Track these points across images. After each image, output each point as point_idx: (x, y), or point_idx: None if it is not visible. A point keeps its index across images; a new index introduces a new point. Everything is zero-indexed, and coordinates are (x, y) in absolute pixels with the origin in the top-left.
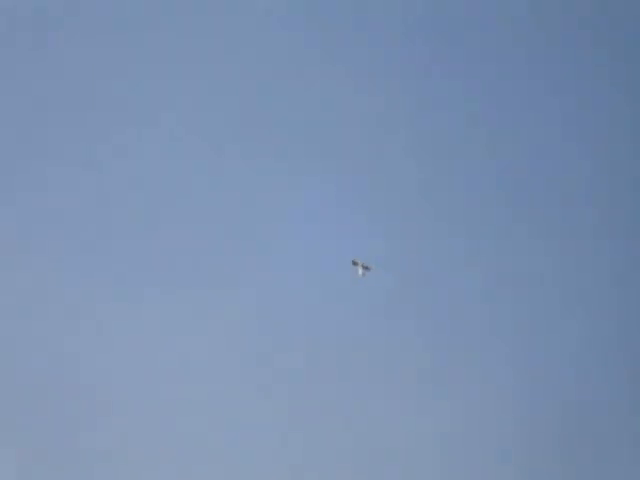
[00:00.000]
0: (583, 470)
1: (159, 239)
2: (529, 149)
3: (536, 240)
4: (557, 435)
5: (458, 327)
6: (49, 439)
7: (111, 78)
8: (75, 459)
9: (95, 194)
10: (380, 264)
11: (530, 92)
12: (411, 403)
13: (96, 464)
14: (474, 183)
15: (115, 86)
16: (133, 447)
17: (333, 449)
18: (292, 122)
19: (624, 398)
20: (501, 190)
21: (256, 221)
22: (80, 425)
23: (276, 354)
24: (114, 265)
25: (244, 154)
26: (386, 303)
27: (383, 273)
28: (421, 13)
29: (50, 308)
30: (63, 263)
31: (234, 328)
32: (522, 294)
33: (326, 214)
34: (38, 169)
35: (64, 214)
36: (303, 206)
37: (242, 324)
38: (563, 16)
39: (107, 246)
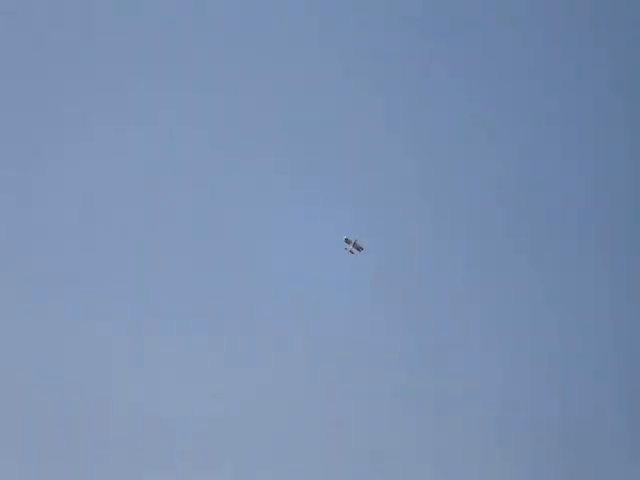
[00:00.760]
0: (583, 471)
1: (160, 236)
2: (528, 150)
3: (535, 242)
4: (556, 439)
5: (455, 329)
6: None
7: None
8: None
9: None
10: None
11: (531, 93)
12: (407, 407)
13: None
14: (473, 184)
15: (115, 86)
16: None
17: (330, 449)
18: (291, 125)
19: (622, 403)
20: (500, 191)
21: (256, 221)
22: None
23: (274, 353)
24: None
25: (245, 154)
26: (385, 307)
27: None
28: (422, 14)
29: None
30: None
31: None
32: (519, 297)
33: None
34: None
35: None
36: (302, 205)
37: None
38: (565, 17)
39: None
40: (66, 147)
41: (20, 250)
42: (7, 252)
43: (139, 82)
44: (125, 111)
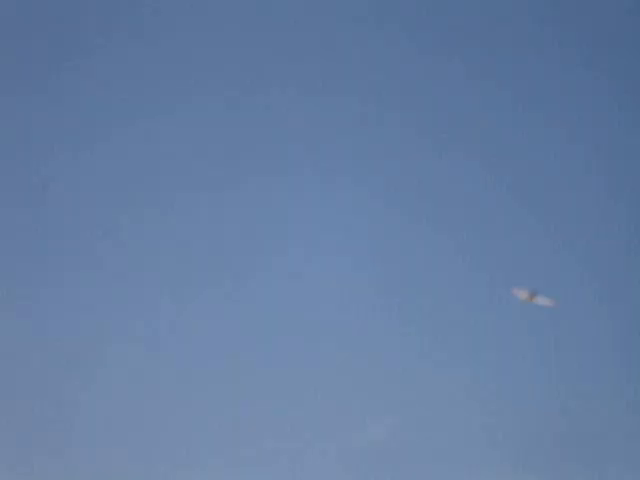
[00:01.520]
0: (582, 471)
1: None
2: (529, 150)
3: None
4: (554, 437)
5: (454, 327)
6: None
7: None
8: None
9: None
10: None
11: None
12: (406, 399)
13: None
14: (474, 191)
15: (115, 87)
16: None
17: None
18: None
19: (622, 400)
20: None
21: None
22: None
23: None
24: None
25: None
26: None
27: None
28: (424, 22)
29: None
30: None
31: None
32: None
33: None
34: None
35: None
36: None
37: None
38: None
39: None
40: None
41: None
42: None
43: (139, 83)
44: (125, 109)
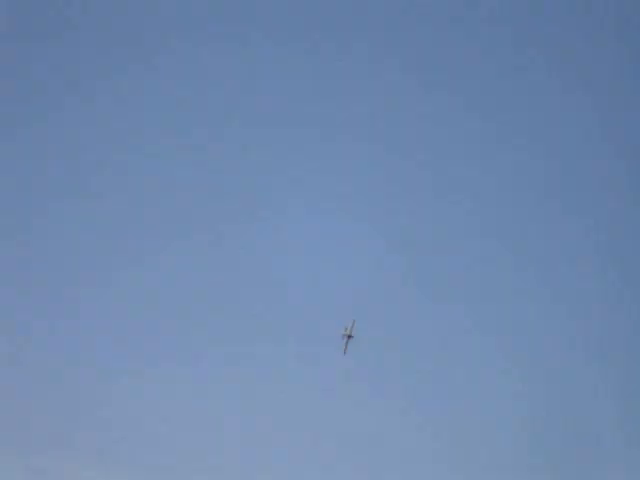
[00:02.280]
0: (582, 472)
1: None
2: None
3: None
4: (556, 440)
5: (461, 335)
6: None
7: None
8: None
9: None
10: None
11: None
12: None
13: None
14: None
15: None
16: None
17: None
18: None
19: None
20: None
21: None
22: None
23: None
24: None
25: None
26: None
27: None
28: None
29: None
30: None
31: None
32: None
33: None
34: None
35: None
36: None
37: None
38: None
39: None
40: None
41: None
42: None
43: (141, 83)
44: (126, 110)
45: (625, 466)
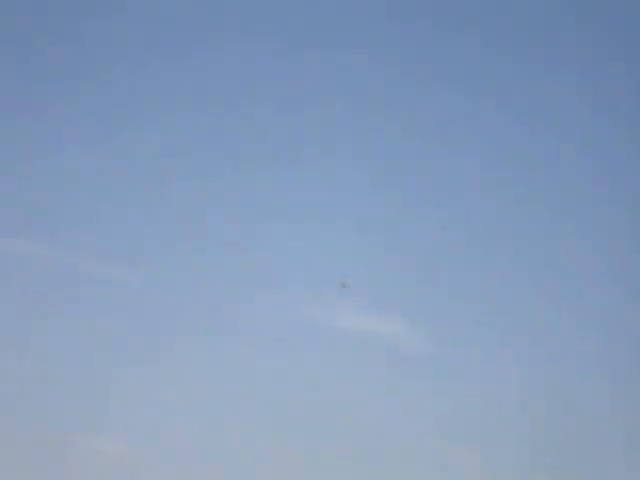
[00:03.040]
0: (582, 472)
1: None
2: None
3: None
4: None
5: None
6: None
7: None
8: None
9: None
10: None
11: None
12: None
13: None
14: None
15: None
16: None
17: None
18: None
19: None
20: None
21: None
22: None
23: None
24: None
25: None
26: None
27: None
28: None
29: None
30: None
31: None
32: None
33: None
34: None
35: None
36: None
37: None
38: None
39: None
40: None
41: None
42: None
43: (142, 83)
44: (126, 109)
45: (625, 466)
